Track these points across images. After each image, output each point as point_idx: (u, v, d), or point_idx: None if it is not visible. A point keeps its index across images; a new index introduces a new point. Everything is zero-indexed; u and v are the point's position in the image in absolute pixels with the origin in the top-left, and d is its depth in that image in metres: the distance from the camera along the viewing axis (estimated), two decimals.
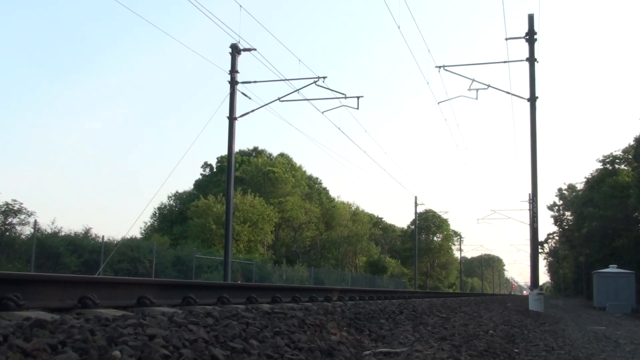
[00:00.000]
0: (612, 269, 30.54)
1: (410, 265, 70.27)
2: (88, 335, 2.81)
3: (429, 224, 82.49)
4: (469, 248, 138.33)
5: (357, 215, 65.04)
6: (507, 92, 21.29)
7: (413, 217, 59.28)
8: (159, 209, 57.47)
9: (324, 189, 67.68)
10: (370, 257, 65.83)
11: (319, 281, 41.34)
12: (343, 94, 20.22)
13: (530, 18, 20.85)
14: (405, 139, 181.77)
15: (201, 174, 62.77)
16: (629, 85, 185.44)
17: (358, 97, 20.39)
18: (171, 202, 59.00)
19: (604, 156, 49.02)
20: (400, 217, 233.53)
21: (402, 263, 75.14)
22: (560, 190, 64.08)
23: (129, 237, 27.42)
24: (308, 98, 20.46)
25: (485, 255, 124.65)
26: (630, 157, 42.35)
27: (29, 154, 78.15)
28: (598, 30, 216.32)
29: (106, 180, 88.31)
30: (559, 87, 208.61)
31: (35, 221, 21.30)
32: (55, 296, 4.13)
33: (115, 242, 24.48)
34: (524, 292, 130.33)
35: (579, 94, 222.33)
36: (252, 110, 20.15)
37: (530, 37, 20.47)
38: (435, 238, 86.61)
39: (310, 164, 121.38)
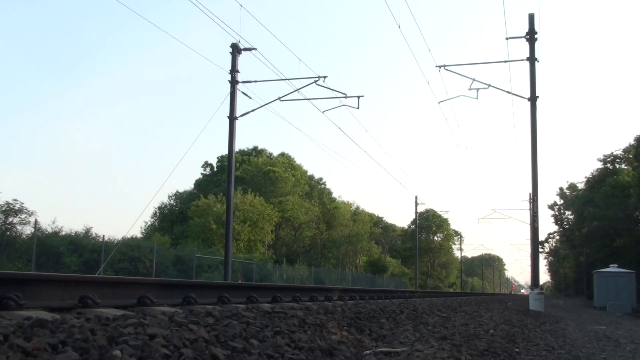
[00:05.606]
0: (613, 268, 30.56)
1: (410, 264, 70.27)
2: (88, 334, 2.81)
3: (429, 223, 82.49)
4: (470, 248, 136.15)
5: (357, 215, 65.03)
6: (508, 92, 21.32)
7: (413, 216, 59.37)
8: (159, 208, 57.55)
9: (326, 189, 67.67)
10: (371, 257, 65.85)
11: (319, 281, 41.36)
12: (343, 93, 20.21)
13: (531, 18, 20.89)
14: (406, 138, 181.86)
15: (201, 174, 62.81)
16: (630, 84, 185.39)
17: (358, 97, 20.37)
18: (172, 201, 59.04)
19: (605, 156, 49.12)
20: (401, 217, 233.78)
21: (403, 262, 75.16)
22: (561, 189, 64.09)
23: (129, 237, 27.45)
24: (308, 97, 20.46)
25: (485, 254, 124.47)
26: (631, 156, 42.35)
27: (30, 153, 78.25)
28: (598, 30, 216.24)
29: (107, 179, 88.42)
30: (560, 87, 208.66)
31: (36, 220, 21.36)
32: (56, 296, 4.13)
33: (115, 242, 24.49)
34: (522, 290, 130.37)
35: (579, 94, 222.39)
36: (253, 110, 20.18)
37: (531, 36, 20.47)
38: (435, 237, 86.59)
39: (311, 164, 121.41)
